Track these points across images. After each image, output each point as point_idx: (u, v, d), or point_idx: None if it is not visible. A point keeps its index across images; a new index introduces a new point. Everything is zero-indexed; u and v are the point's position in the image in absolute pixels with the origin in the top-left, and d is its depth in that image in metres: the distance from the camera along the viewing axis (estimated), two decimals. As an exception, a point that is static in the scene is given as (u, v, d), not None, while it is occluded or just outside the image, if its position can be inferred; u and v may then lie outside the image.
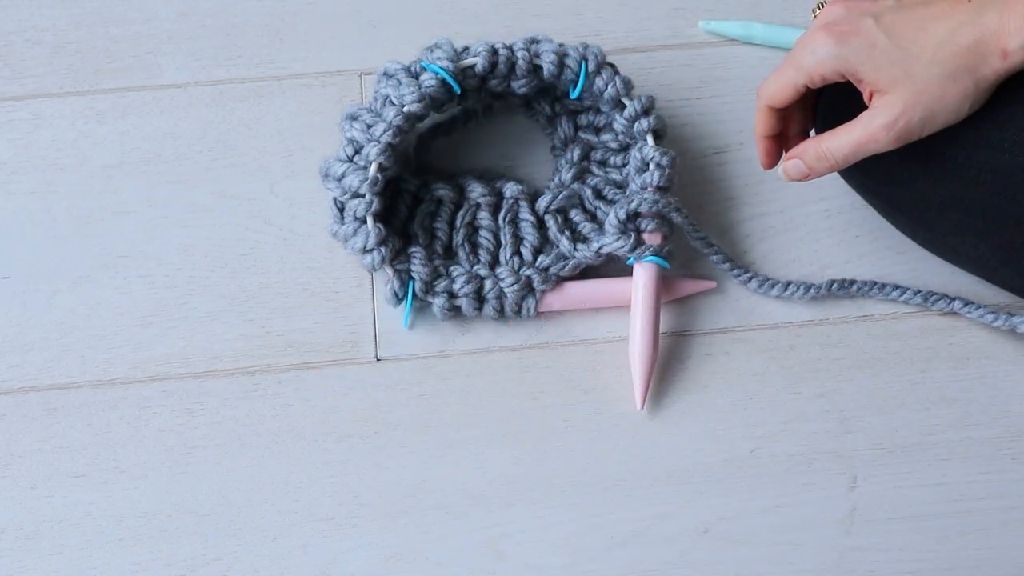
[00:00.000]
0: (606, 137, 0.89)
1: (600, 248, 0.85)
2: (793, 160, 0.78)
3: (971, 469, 0.85)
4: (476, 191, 0.88)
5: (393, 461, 0.85)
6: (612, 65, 0.86)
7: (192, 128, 0.92)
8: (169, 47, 0.95)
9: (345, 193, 0.83)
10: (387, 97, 0.84)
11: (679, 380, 0.87)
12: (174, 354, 0.87)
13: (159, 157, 0.91)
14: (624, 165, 0.89)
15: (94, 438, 0.85)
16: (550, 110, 0.91)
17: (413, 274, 0.85)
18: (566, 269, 0.86)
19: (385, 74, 0.85)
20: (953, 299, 0.87)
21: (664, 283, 0.86)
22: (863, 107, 0.76)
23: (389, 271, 0.85)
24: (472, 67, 0.84)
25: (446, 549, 0.83)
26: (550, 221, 0.88)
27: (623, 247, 0.84)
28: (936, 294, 0.87)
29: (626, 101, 0.86)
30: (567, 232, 0.87)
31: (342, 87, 0.94)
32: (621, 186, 0.89)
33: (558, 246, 0.87)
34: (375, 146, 0.83)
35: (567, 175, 0.89)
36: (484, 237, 0.88)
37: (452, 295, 0.85)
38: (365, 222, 0.83)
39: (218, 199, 0.90)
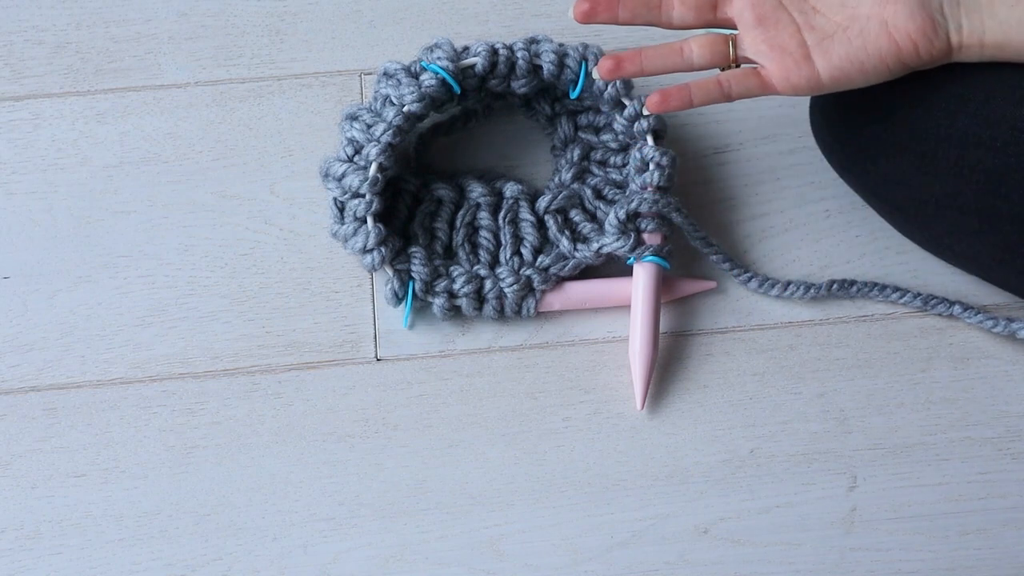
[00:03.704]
0: (606, 137, 0.89)
1: (600, 248, 0.85)
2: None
3: (971, 469, 0.85)
4: (476, 191, 0.88)
5: (393, 461, 0.85)
6: (612, 65, 0.86)
7: (192, 128, 0.92)
8: (169, 47, 0.95)
9: (345, 193, 0.83)
10: (387, 97, 0.84)
11: (679, 380, 0.87)
12: (174, 354, 0.87)
13: (159, 157, 0.91)
14: (624, 165, 0.89)
15: (94, 438, 0.85)
16: (550, 110, 0.91)
17: (413, 274, 0.85)
18: (566, 269, 0.86)
19: (385, 74, 0.85)
20: (953, 303, 0.87)
21: (664, 283, 0.86)
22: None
23: (389, 271, 0.85)
24: (472, 67, 0.84)
25: (446, 549, 0.83)
26: (550, 221, 0.88)
27: (623, 247, 0.84)
28: (936, 297, 0.87)
29: (626, 101, 0.86)
30: (567, 232, 0.87)
31: (342, 87, 0.94)
32: (621, 186, 0.89)
33: (558, 246, 0.87)
34: (375, 146, 0.83)
35: (567, 175, 0.89)
36: (484, 237, 0.88)
37: (452, 295, 0.85)
38: (365, 222, 0.83)
39: (218, 199, 0.90)
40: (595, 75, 0.77)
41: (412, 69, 0.84)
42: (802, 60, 0.73)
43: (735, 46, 0.75)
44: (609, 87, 0.85)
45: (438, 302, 0.85)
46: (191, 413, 0.85)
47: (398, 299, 0.85)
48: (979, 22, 0.71)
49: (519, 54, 0.84)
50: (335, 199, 0.84)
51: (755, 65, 0.75)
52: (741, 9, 0.74)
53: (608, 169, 0.90)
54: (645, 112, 0.80)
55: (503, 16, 0.96)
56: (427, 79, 0.83)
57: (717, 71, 0.76)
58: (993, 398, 0.87)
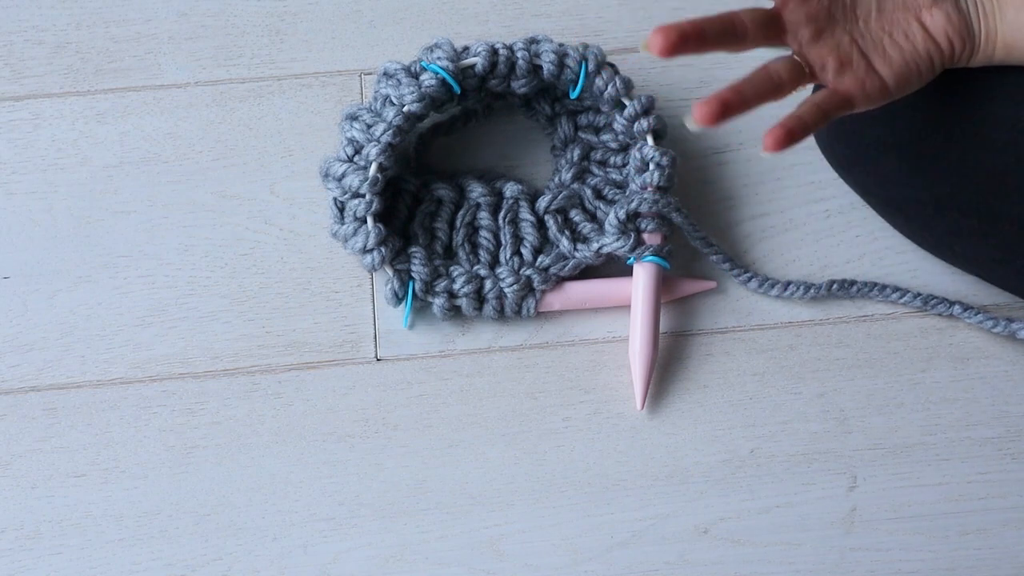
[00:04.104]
0: (606, 137, 0.89)
1: (600, 248, 0.85)
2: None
3: (971, 469, 0.85)
4: (476, 191, 0.88)
5: (393, 461, 0.85)
6: (612, 65, 0.86)
7: (192, 128, 0.92)
8: (169, 47, 0.95)
9: (345, 193, 0.83)
10: (387, 97, 0.84)
11: (679, 380, 0.87)
12: (174, 354, 0.87)
13: (159, 157, 0.91)
14: (624, 165, 0.89)
15: (94, 438, 0.85)
16: (550, 110, 0.91)
17: (413, 274, 0.85)
18: (566, 269, 0.86)
19: (385, 74, 0.85)
20: (953, 303, 0.87)
21: (664, 283, 0.86)
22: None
23: (389, 271, 0.85)
24: (472, 67, 0.84)
25: (446, 549, 0.83)
26: (550, 221, 0.88)
27: (623, 247, 0.84)
28: (936, 297, 0.87)
29: (626, 101, 0.86)
30: (567, 232, 0.87)
31: (342, 87, 0.94)
32: (621, 186, 0.89)
33: (558, 246, 0.87)
34: (375, 146, 0.83)
35: (567, 175, 0.89)
36: (484, 237, 0.88)
37: (452, 295, 0.85)
38: (365, 222, 0.83)
39: (218, 199, 0.90)
40: (691, 127, 0.68)
41: (412, 69, 0.84)
42: (868, 69, 0.72)
43: (806, 62, 0.72)
44: (609, 87, 0.85)
45: (438, 302, 0.85)
46: (191, 413, 0.85)
47: (398, 299, 0.85)
48: (993, 25, 0.72)
49: (519, 54, 0.84)
50: (335, 199, 0.84)
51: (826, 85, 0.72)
52: (797, 26, 0.72)
53: (608, 169, 0.90)
54: (765, 151, 0.70)
55: (503, 16, 0.96)
56: (427, 79, 0.83)
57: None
58: (993, 398, 0.87)
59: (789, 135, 0.70)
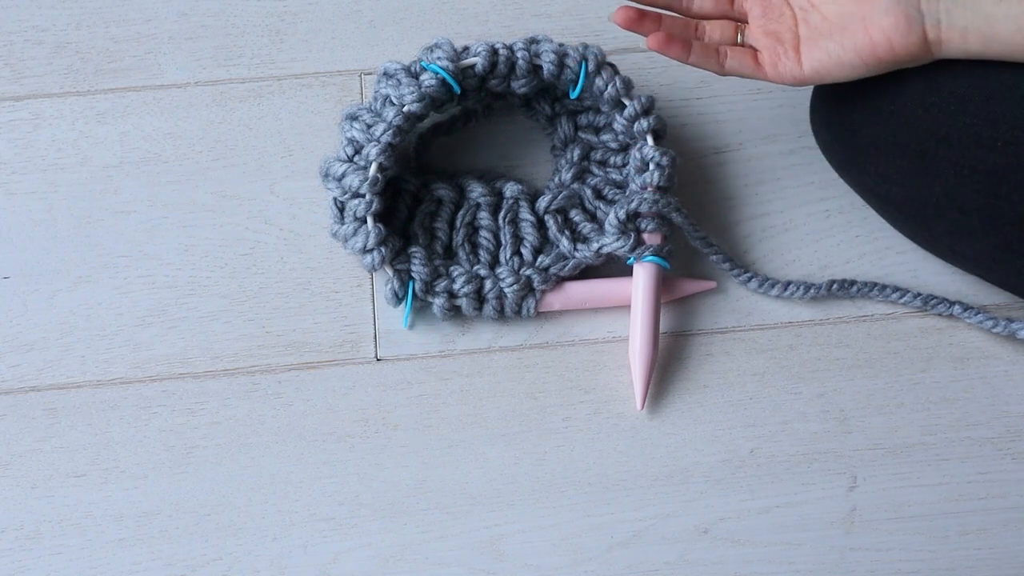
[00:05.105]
0: (606, 137, 0.89)
1: (600, 248, 0.85)
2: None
3: (971, 469, 0.85)
4: (476, 191, 0.88)
5: (393, 461, 0.85)
6: (612, 65, 0.86)
7: (192, 128, 0.92)
8: (169, 47, 0.95)
9: (345, 193, 0.83)
10: (387, 97, 0.84)
11: (679, 380, 0.87)
12: (174, 354, 0.87)
13: (159, 157, 0.91)
14: (624, 165, 0.89)
15: (94, 438, 0.85)
16: (550, 110, 0.91)
17: (413, 274, 0.85)
18: (566, 269, 0.86)
19: (385, 74, 0.85)
20: (953, 303, 0.87)
21: (664, 283, 0.86)
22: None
23: (389, 271, 0.85)
24: (472, 67, 0.84)
25: (446, 549, 0.83)
26: (550, 221, 0.88)
27: (623, 247, 0.84)
28: (936, 297, 0.87)
29: (626, 101, 0.86)
30: (567, 232, 0.87)
31: (342, 87, 0.94)
32: (621, 186, 0.89)
33: (558, 246, 0.87)
34: (375, 146, 0.83)
35: (567, 175, 0.89)
36: (484, 237, 0.88)
37: (452, 295, 0.85)
38: (365, 222, 0.83)
39: (218, 199, 0.90)
40: (611, 19, 0.78)
41: (412, 69, 0.84)
42: (791, 50, 0.77)
43: (743, 35, 0.79)
44: (609, 87, 0.85)
45: (438, 302, 0.85)
46: (191, 413, 0.85)
47: (398, 299, 0.85)
48: (961, 17, 0.72)
49: (519, 54, 0.84)
50: (335, 199, 0.84)
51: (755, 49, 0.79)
52: (752, 2, 0.78)
53: (608, 169, 0.90)
54: (647, 46, 0.78)
55: (503, 16, 0.96)
56: (427, 79, 0.83)
57: None
58: (993, 398, 0.87)
59: (666, 43, 0.77)
